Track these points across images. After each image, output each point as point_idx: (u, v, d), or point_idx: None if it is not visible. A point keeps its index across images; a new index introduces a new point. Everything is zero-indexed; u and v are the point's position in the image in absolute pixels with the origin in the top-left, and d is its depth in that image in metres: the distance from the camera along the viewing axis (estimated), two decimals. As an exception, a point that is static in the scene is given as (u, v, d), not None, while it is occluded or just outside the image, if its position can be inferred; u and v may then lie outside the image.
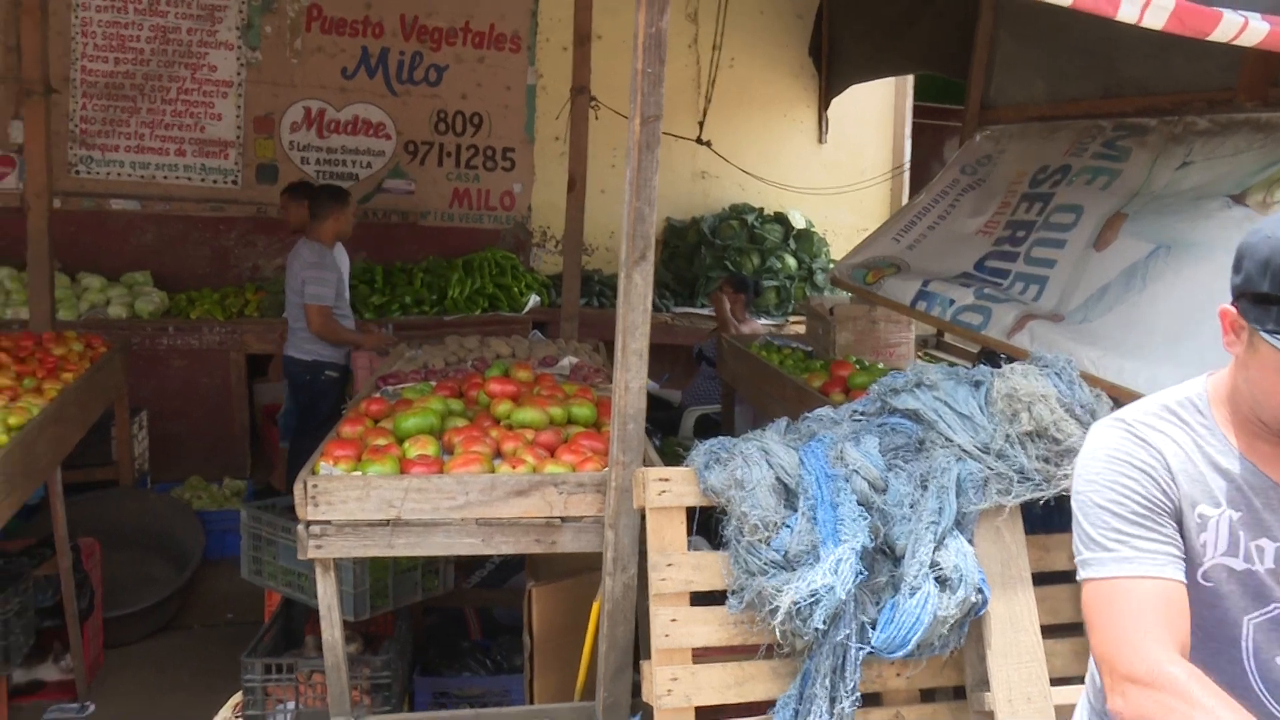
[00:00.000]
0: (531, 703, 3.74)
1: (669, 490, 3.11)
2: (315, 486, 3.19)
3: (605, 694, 3.27)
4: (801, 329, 7.62)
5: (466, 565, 4.90)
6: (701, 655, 3.05)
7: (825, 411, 3.39)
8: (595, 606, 3.35)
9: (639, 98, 3.13)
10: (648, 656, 3.24)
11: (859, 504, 2.99)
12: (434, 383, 4.37)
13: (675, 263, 8.32)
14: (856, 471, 3.04)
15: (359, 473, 3.28)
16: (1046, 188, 4.69)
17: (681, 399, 7.08)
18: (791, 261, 8.33)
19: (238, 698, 3.75)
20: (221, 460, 6.91)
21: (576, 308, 6.03)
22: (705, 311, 7.96)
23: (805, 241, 8.51)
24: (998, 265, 4.60)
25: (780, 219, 8.61)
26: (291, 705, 3.56)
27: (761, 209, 8.63)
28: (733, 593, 2.98)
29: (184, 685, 4.83)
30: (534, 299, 7.70)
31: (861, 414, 3.34)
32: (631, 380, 3.22)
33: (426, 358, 5.32)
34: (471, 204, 8.13)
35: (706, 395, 6.84)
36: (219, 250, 7.71)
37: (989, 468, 3.02)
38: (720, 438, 3.25)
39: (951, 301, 4.55)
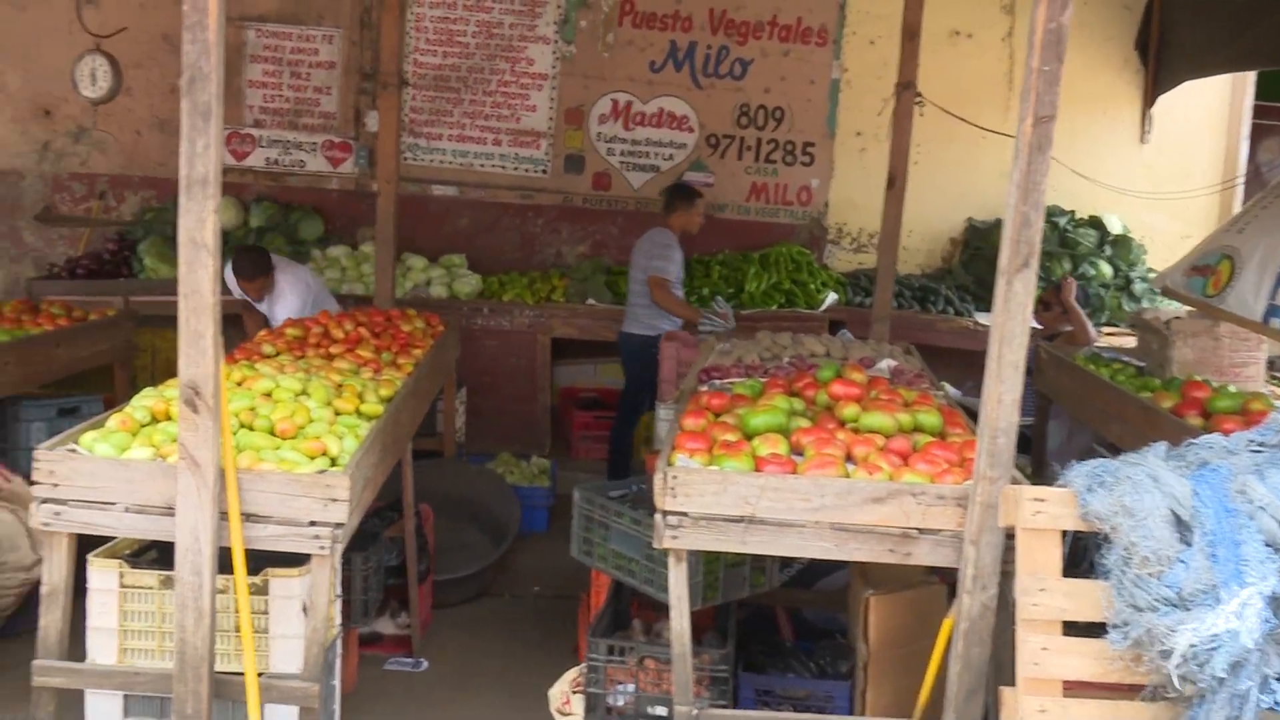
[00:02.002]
0: (863, 713, 3.67)
1: (1044, 511, 2.96)
2: (675, 478, 3.24)
3: (955, 716, 3.16)
4: (1115, 341, 7.15)
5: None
6: (1071, 688, 2.89)
7: (1216, 439, 3.13)
8: (946, 623, 3.24)
9: (1032, 96, 2.98)
10: (1004, 681, 3.11)
11: (1266, 544, 2.74)
12: (763, 379, 4.36)
13: (977, 265, 8.00)
14: (1263, 509, 2.79)
15: (716, 468, 3.31)
16: None
17: (986, 408, 6.78)
18: (1106, 269, 7.83)
19: (575, 673, 3.88)
20: (524, 437, 7.21)
21: (889, 308, 5.89)
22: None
23: (1122, 248, 7.98)
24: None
25: (1095, 223, 8.11)
26: (630, 688, 3.65)
27: (1073, 212, 8.17)
28: (1114, 627, 2.80)
29: (500, 651, 5.07)
30: (831, 297, 7.59)
31: (1261, 444, 3.06)
32: (1005, 392, 3.09)
33: (739, 352, 5.33)
34: (769, 198, 8.11)
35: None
36: (527, 236, 8.04)
37: None
38: (1100, 459, 3.06)
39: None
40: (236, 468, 3.10)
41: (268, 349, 4.47)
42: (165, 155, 7.74)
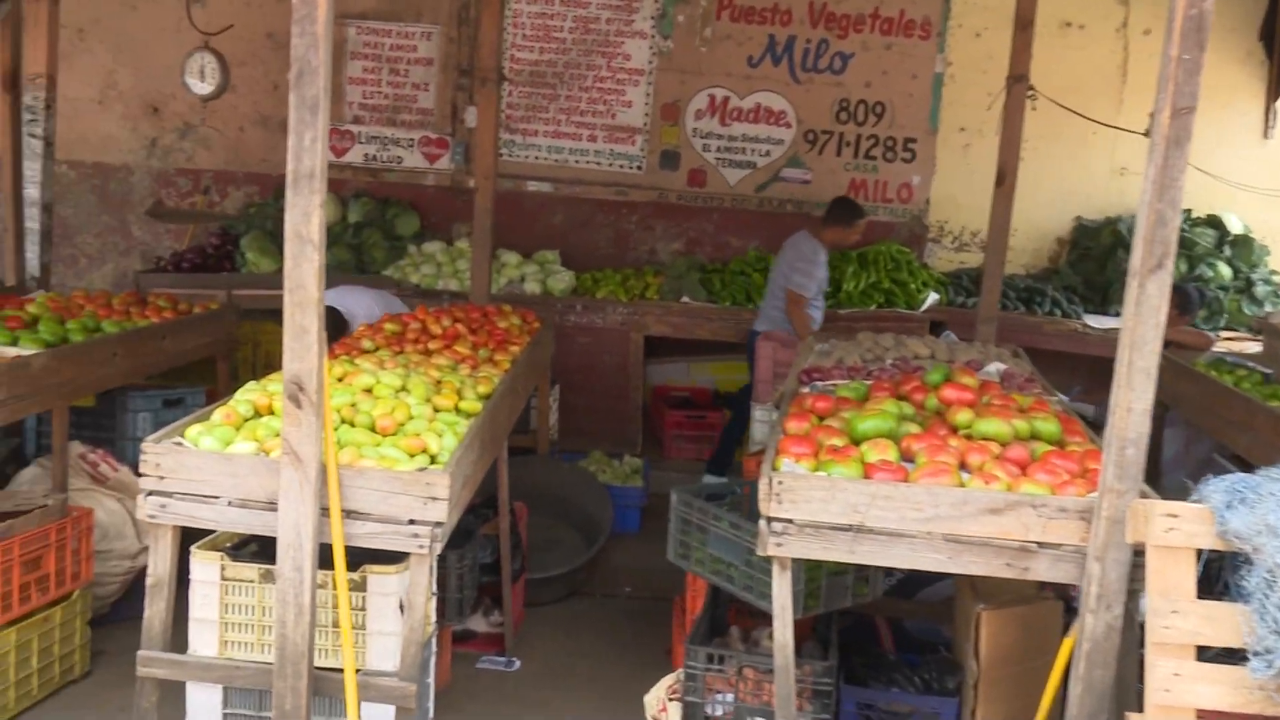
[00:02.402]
0: (972, 731, 3.52)
1: (1178, 528, 2.78)
2: (780, 483, 3.14)
3: (1075, 739, 3.00)
4: (1235, 345, 6.83)
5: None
6: (1205, 718, 2.71)
7: (1368, 454, 2.91)
8: (1067, 643, 3.07)
9: (1170, 86, 2.80)
10: (1126, 706, 2.94)
11: None
12: (867, 381, 4.22)
13: (1085, 266, 7.71)
14: None
15: (823, 473, 3.19)
16: None
17: (1095, 413, 6.53)
18: (1225, 270, 7.48)
19: (671, 680, 3.80)
20: (615, 435, 7.16)
21: (996, 309, 5.69)
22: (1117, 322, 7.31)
23: (1242, 248, 7.62)
24: None
25: (1213, 222, 7.76)
26: (729, 697, 3.55)
27: (1189, 210, 7.82)
28: (1256, 654, 2.62)
29: (592, 651, 5.01)
30: (932, 297, 7.39)
31: None
32: (1135, 401, 2.91)
33: (840, 353, 5.19)
34: (868, 195, 7.93)
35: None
36: (620, 233, 7.99)
37: None
38: (1239, 474, 2.87)
39: None
40: (338, 464, 3.08)
41: (367, 344, 4.48)
42: (267, 151, 7.88)
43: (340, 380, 3.70)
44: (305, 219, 2.94)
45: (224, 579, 3.44)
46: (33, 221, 5.87)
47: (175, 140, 7.92)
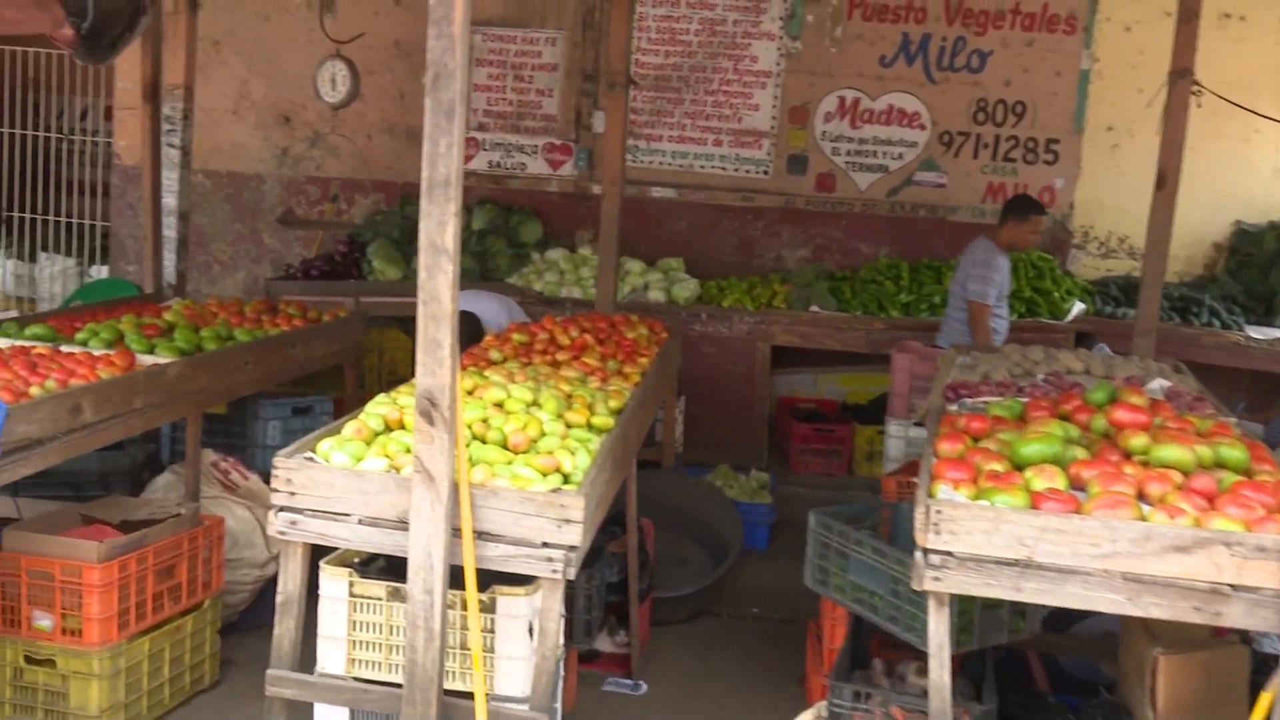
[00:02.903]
0: (1147, 787, 3.22)
1: (1404, 575, 2.46)
2: (939, 512, 2.90)
3: (1274, 806, 2.69)
4: None
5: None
6: None
7: None
8: (1265, 697, 2.76)
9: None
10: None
11: None
12: (1022, 399, 3.93)
13: (1246, 274, 7.21)
14: None
15: (985, 502, 2.94)
16: None
17: (1266, 434, 6.06)
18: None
19: (812, 715, 3.58)
20: (740, 448, 6.96)
21: (1155, 320, 5.31)
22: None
23: None
24: None
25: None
26: (876, 738, 3.32)
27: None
28: None
29: (720, 675, 4.83)
30: (1078, 306, 6.99)
31: None
32: (1351, 430, 2.58)
33: (985, 366, 4.90)
34: (1007, 199, 7.54)
35: (1300, 434, 5.78)
36: (745, 240, 7.78)
37: None
38: None
39: None
40: (470, 483, 2.96)
41: (495, 355, 4.37)
42: (394, 159, 7.92)
43: (470, 394, 3.59)
44: (440, 228, 2.83)
45: (352, 595, 3.36)
46: (170, 230, 5.96)
47: (305, 149, 8.02)
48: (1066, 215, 7.57)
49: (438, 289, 2.83)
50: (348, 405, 5.81)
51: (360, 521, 3.03)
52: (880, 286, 7.17)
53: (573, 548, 2.98)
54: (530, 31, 7.74)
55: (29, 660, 3.77)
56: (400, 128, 7.86)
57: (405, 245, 7.42)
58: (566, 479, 3.16)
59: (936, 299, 7.05)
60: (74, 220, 8.77)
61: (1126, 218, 7.52)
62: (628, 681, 4.59)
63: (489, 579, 3.24)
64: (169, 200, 5.92)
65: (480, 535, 2.98)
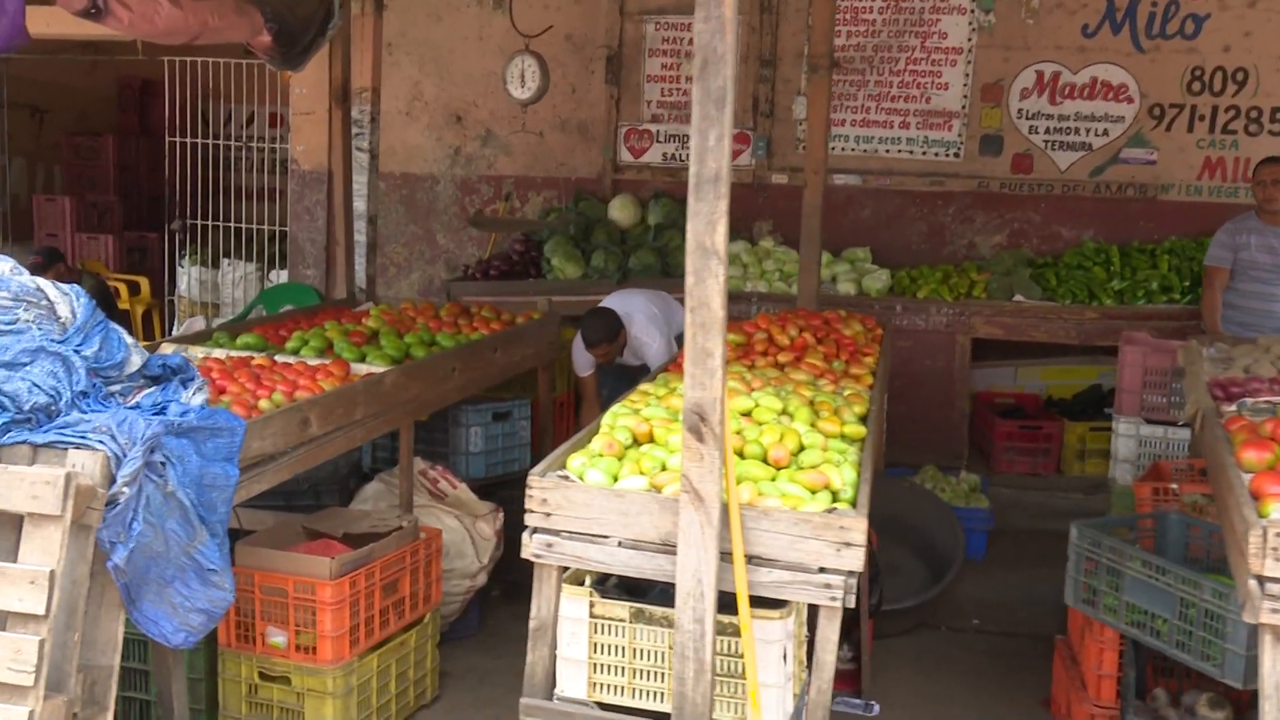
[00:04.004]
0: None
1: None
2: (1277, 535, 2.54)
3: None
4: None
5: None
6: None
7: None
8: None
9: None
10: None
11: None
12: (1319, 400, 3.51)
13: None
14: None
15: (1332, 524, 2.57)
16: None
17: None
18: None
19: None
20: (939, 447, 6.58)
21: None
22: None
23: None
24: None
25: None
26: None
27: None
28: None
29: (954, 696, 4.53)
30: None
31: None
32: None
33: (1242, 359, 4.45)
34: (1225, 175, 6.97)
35: None
36: (935, 226, 7.38)
37: None
38: None
39: None
40: (739, 503, 2.74)
41: (714, 358, 4.14)
42: (566, 155, 7.78)
43: (712, 402, 3.36)
44: (709, 228, 2.61)
45: (593, 616, 3.18)
46: (359, 234, 5.93)
47: (477, 148, 7.95)
48: (1295, 190, 6.92)
49: (707, 294, 2.60)
50: (542, 409, 5.68)
51: (620, 544, 2.84)
52: (1088, 273, 6.69)
53: (852, 573, 2.73)
54: (705, 18, 7.47)
55: (263, 677, 3.72)
56: (572, 123, 7.72)
57: (583, 243, 7.28)
58: (834, 496, 2.91)
59: (1154, 285, 6.53)
60: (251, 226, 8.92)
61: (1364, 190, 6.84)
62: (858, 701, 4.31)
63: (726, 600, 3.02)
64: (358, 204, 5.89)
65: (750, 560, 2.75)
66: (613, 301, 5.64)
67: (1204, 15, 6.87)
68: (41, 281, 3.14)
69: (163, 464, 2.94)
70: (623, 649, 3.16)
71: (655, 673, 3.12)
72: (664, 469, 2.92)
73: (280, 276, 8.63)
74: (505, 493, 5.39)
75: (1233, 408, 3.71)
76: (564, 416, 6.06)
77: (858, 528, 2.70)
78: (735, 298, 6.82)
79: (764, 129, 7.47)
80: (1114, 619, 3.58)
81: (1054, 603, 5.30)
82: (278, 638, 3.68)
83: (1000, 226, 7.30)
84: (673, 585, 2.73)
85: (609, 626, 3.18)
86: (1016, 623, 5.17)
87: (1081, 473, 6.49)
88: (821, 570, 2.73)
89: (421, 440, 5.25)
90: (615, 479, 2.90)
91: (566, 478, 2.90)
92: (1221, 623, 3.21)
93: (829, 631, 2.78)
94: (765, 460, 3.00)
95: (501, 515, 4.83)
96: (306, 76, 7.81)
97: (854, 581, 2.74)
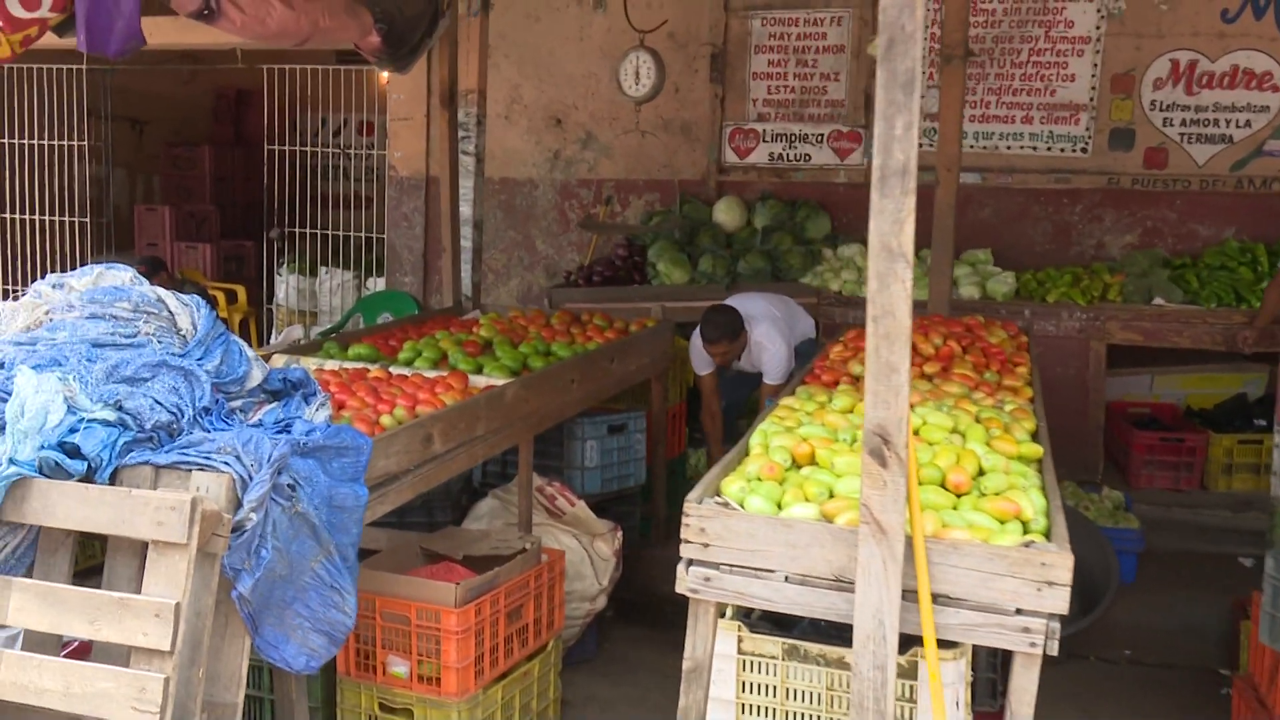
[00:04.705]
0: None
1: None
2: None
3: None
4: None
5: None
6: None
7: None
8: None
9: None
10: None
11: None
12: None
13: None
14: None
15: None
16: None
17: None
18: None
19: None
20: (1072, 461, 6.15)
21: None
22: None
23: None
24: None
25: None
26: None
27: None
28: None
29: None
30: None
31: None
32: None
33: None
34: (1383, 167, 6.46)
35: None
36: (1060, 226, 6.98)
37: None
38: None
39: None
40: (924, 535, 2.45)
41: (856, 368, 3.86)
42: (668, 157, 7.54)
43: (870, 419, 3.08)
44: (896, 227, 2.33)
45: (740, 653, 2.92)
46: (465, 240, 5.75)
47: (577, 151, 7.75)
48: None
49: (893, 302, 2.32)
50: (655, 421, 5.43)
51: (788, 579, 2.56)
52: (1233, 274, 6.24)
53: (1054, 615, 2.43)
54: (814, 12, 7.18)
55: (384, 708, 3.52)
56: (675, 123, 7.47)
57: (688, 246, 7.02)
58: (1025, 526, 2.60)
59: None
60: (348, 234, 8.83)
61: None
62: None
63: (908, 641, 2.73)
64: (464, 209, 5.71)
65: (936, 599, 2.46)
66: (735, 302, 5.39)
67: (1358, -5, 6.38)
68: (162, 292, 2.98)
69: (291, 486, 2.75)
70: (774, 689, 2.89)
71: (809, 715, 2.86)
72: (831, 495, 2.64)
73: (377, 284, 8.52)
74: (619, 508, 5.16)
75: None
76: (676, 429, 5.80)
77: (1062, 564, 2.40)
78: (851, 303, 6.51)
79: (877, 126, 7.13)
80: (1321, 660, 3.21)
81: (1214, 631, 4.92)
82: (399, 667, 3.48)
83: (1132, 225, 6.87)
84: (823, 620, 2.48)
85: (759, 664, 2.91)
86: (1173, 654, 4.79)
87: (1228, 488, 6.04)
88: (1019, 612, 2.43)
89: (535, 454, 5.03)
90: (779, 506, 2.63)
91: (726, 504, 2.63)
92: None
93: (1026, 681, 2.48)
94: (943, 485, 2.70)
95: (620, 534, 4.60)
96: (404, 82, 7.70)
97: (1056, 626, 2.44)
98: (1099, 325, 6.21)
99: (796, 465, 2.83)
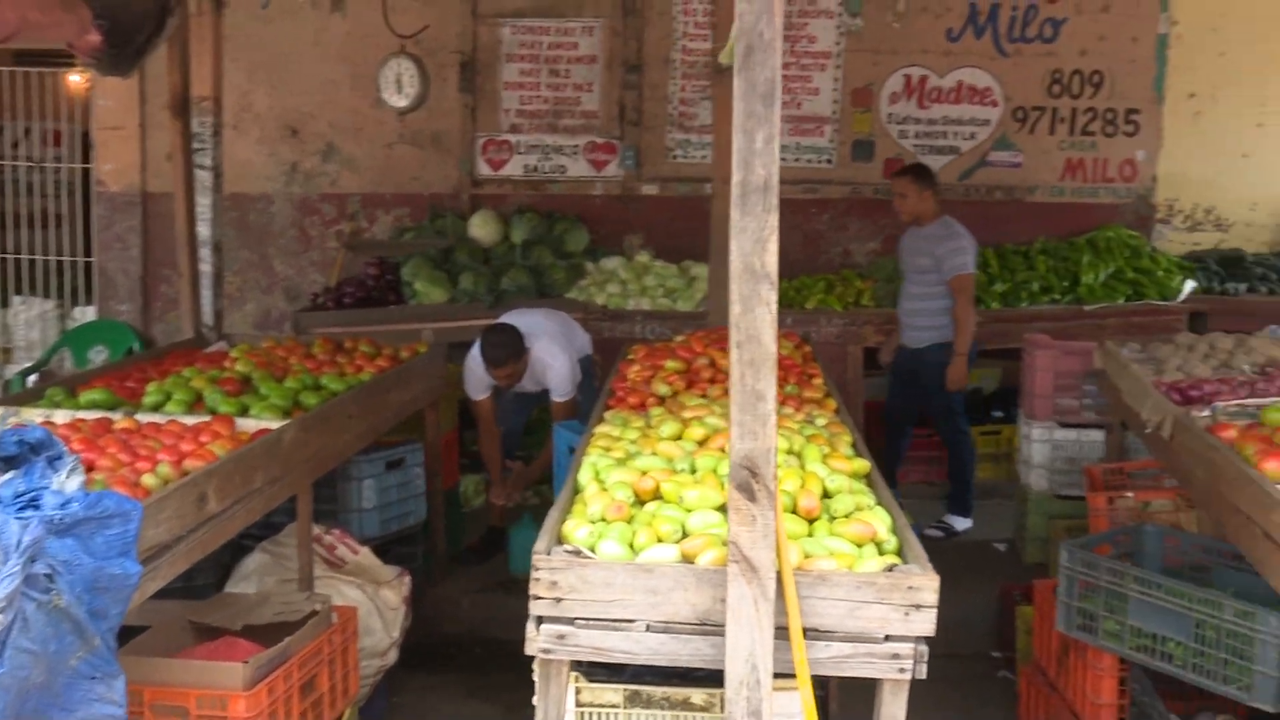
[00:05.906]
0: None
1: None
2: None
3: None
4: None
5: None
6: None
7: None
8: None
9: None
10: None
11: None
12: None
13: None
14: None
15: None
16: None
17: None
18: None
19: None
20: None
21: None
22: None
23: None
24: None
25: None
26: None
27: None
28: None
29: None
30: (1189, 285, 6.53)
31: None
32: None
33: (1176, 361, 4.39)
34: (1086, 175, 7.09)
35: None
36: (810, 234, 7.20)
37: None
38: None
39: None
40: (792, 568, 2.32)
41: (662, 388, 3.72)
42: (418, 169, 7.18)
43: (701, 444, 2.94)
44: (758, 247, 2.20)
45: (579, 705, 2.71)
46: (204, 263, 5.19)
47: (317, 164, 7.22)
48: (1149, 189, 7.12)
49: (757, 326, 2.19)
50: (431, 452, 5.09)
51: (649, 628, 2.36)
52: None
53: (921, 639, 2.37)
54: (565, 21, 7.04)
55: (161, 814, 3.02)
56: (425, 134, 7.11)
57: (444, 263, 6.68)
58: (880, 548, 2.54)
59: (1035, 285, 6.54)
60: (47, 258, 7.82)
61: (1212, 189, 7.14)
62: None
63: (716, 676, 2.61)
64: (201, 229, 5.16)
65: (806, 633, 2.34)
66: (510, 319, 5.14)
67: (1061, 19, 6.97)
68: None
69: (48, 576, 2.27)
70: (618, 739, 2.70)
71: (661, 765, 2.69)
72: (685, 532, 2.47)
73: (86, 314, 7.59)
74: (401, 550, 4.79)
75: (1206, 413, 3.59)
76: (449, 457, 5.47)
77: (929, 586, 2.34)
78: (618, 316, 6.43)
79: (631, 138, 7.09)
80: (1118, 645, 3.37)
81: (981, 616, 5.14)
82: (179, 764, 2.99)
83: (875, 233, 7.20)
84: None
85: (600, 715, 2.71)
86: (952, 643, 4.96)
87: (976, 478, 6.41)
88: (887, 639, 2.35)
89: (305, 499, 4.58)
90: (632, 548, 2.43)
91: (578, 552, 2.40)
92: (1248, 644, 3.03)
93: (895, 709, 2.40)
94: (794, 511, 2.59)
95: (409, 579, 4.24)
96: (113, 88, 6.90)
97: (924, 649, 2.38)
98: (855, 330, 6.44)
99: (639, 501, 2.64)
